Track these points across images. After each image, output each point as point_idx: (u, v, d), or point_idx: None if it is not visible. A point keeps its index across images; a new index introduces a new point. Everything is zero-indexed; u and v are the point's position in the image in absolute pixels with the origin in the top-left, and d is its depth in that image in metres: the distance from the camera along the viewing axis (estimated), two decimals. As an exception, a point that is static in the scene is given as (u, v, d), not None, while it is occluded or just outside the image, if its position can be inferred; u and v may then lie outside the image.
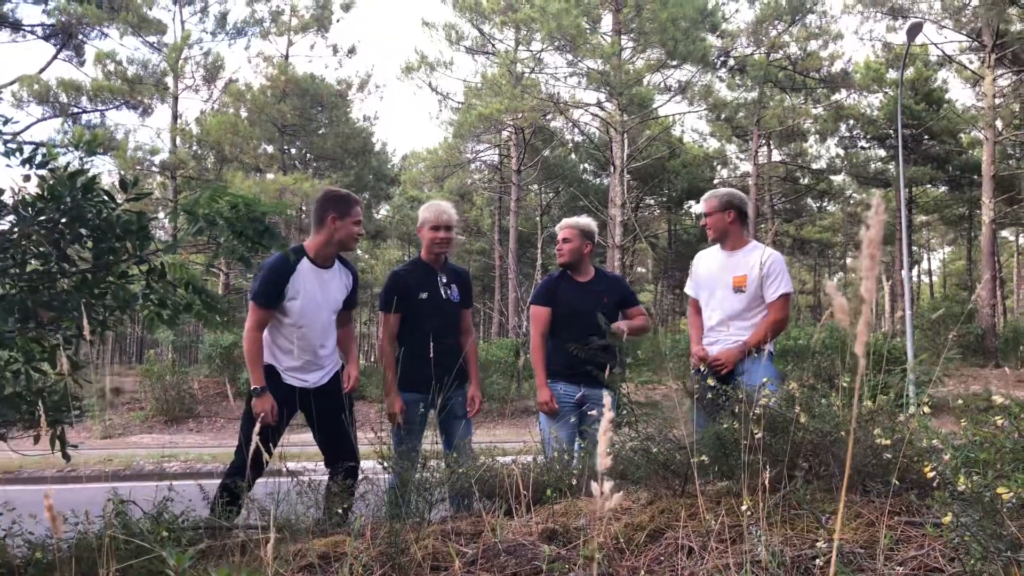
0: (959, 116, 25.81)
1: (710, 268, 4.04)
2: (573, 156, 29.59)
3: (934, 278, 48.75)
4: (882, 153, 28.77)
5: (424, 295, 4.01)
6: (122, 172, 19.10)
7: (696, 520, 2.23)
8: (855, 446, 2.26)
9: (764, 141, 28.57)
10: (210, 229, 2.65)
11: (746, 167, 30.68)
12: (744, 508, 2.09)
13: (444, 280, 4.09)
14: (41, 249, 2.61)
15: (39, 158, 2.54)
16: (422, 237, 4.13)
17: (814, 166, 31.02)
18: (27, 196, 2.55)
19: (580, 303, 4.09)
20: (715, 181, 30.39)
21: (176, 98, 22.19)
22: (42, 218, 2.55)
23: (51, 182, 2.53)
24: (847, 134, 28.83)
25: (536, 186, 29.87)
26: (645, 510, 2.39)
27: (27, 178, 2.54)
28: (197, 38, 22.45)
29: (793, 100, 26.58)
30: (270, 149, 23.56)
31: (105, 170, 20.73)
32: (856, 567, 1.88)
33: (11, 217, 2.55)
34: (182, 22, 22.35)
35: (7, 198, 2.55)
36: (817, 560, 1.91)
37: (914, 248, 36.51)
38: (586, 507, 2.52)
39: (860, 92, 26.36)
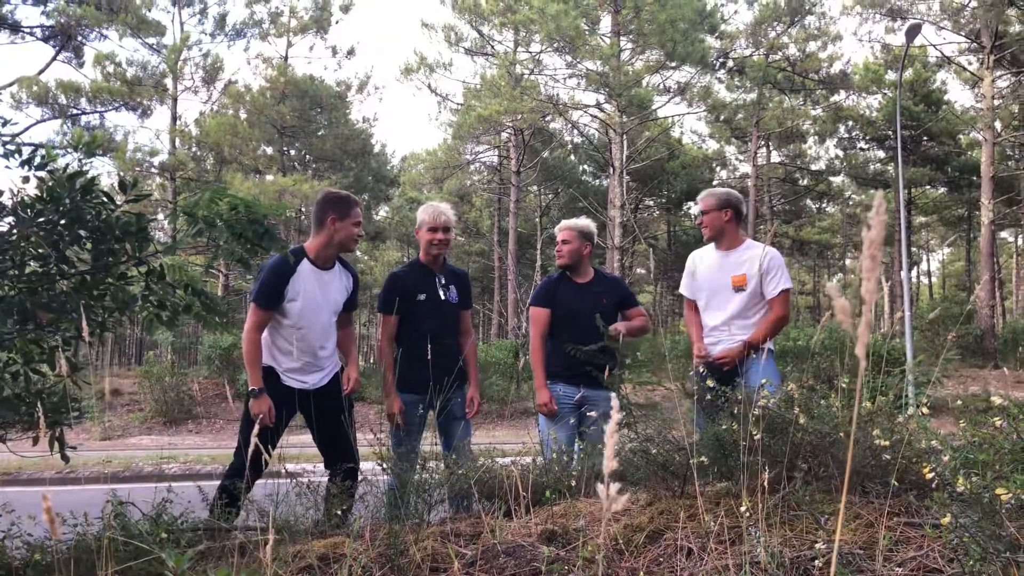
0: (958, 117, 25.83)
1: (708, 269, 4.04)
2: (572, 157, 29.59)
3: (933, 279, 48.77)
4: (881, 154, 28.80)
5: (422, 296, 4.01)
6: (121, 173, 19.13)
7: (695, 521, 2.23)
8: (854, 447, 2.26)
9: (763, 142, 28.59)
10: (209, 231, 2.65)
11: (745, 168, 30.71)
12: (743, 509, 2.09)
13: (442, 281, 4.10)
14: (40, 251, 2.61)
15: (38, 159, 2.53)
16: (420, 239, 4.13)
17: (813, 167, 31.05)
18: (26, 198, 2.54)
19: (579, 304, 4.09)
20: (714, 182, 30.37)
21: (175, 99, 22.21)
22: (41, 219, 2.55)
23: (50, 184, 2.53)
24: (846, 135, 28.86)
25: (535, 187, 29.89)
26: (644, 511, 2.39)
27: (26, 179, 2.54)
28: (196, 39, 22.50)
29: (792, 101, 26.59)
30: (269, 150, 23.55)
31: (104, 172, 20.83)
32: (855, 568, 1.88)
33: (10, 219, 2.55)
34: (181, 24, 22.39)
35: (6, 200, 2.55)
36: (816, 561, 1.91)
37: (913, 249, 36.53)
38: (585, 508, 2.52)
39: (859, 93, 26.41)
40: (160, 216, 21.78)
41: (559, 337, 4.07)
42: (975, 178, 23.72)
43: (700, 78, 22.83)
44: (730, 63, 25.26)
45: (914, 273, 42.09)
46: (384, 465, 2.97)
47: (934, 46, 23.73)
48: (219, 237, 2.67)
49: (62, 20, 20.27)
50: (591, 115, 22.79)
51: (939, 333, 16.32)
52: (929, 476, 1.97)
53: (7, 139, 2.56)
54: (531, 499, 2.58)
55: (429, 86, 23.66)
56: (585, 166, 30.58)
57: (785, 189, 31.66)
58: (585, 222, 4.33)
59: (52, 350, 2.62)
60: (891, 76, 24.20)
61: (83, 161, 2.61)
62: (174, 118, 22.32)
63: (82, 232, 2.60)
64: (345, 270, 3.91)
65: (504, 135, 25.49)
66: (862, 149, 29.35)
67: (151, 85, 21.47)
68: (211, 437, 13.70)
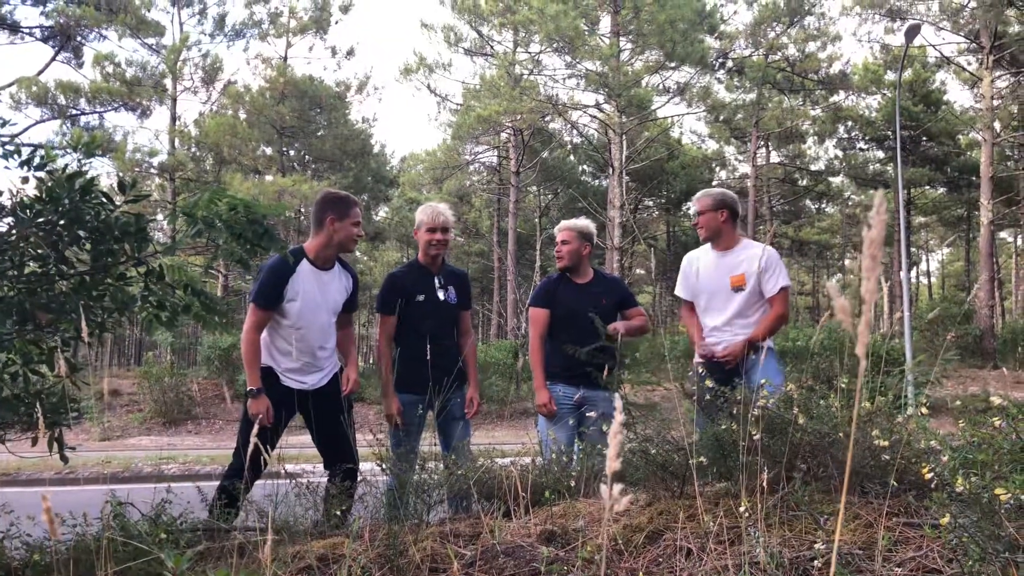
0: (957, 117, 25.85)
1: (706, 271, 4.04)
2: (572, 158, 29.59)
3: (933, 279, 48.80)
4: (880, 154, 28.82)
5: (421, 297, 4.01)
6: (120, 174, 19.15)
7: (695, 521, 2.23)
8: (854, 447, 2.26)
9: (762, 143, 28.60)
10: (209, 231, 2.65)
11: (744, 168, 30.73)
12: (742, 509, 2.09)
13: (441, 282, 4.10)
14: (39, 251, 2.61)
15: (37, 160, 2.53)
16: (419, 239, 4.13)
17: (812, 167, 31.07)
18: (25, 198, 2.54)
19: (579, 305, 4.09)
20: (714, 182, 30.38)
21: (175, 100, 22.21)
22: (40, 220, 2.55)
23: (49, 184, 2.53)
24: (845, 135, 28.87)
25: (535, 188, 29.89)
26: (643, 512, 2.39)
27: (25, 180, 2.54)
28: (195, 40, 22.49)
29: (791, 102, 26.59)
30: (269, 151, 23.53)
31: (103, 172, 20.84)
32: (854, 568, 1.88)
33: (9, 219, 2.55)
34: (180, 24, 22.39)
35: (5, 200, 2.55)
36: (816, 561, 1.91)
37: (913, 249, 36.54)
38: (584, 509, 2.52)
39: (858, 94, 26.42)
40: (159, 216, 21.74)
41: (558, 338, 4.07)
42: (974, 178, 23.73)
43: (699, 78, 22.84)
44: (729, 63, 25.25)
45: (913, 273, 42.11)
46: (383, 466, 2.98)
47: (933, 46, 23.76)
48: (218, 237, 2.67)
49: (61, 20, 20.27)
50: (590, 115, 22.81)
51: (938, 333, 16.33)
52: (928, 476, 1.97)
53: (6, 139, 2.56)
54: (530, 499, 2.58)
55: (428, 86, 23.68)
56: (584, 166, 30.59)
57: (784, 189, 31.68)
58: (584, 222, 4.33)
59: (51, 351, 2.61)
60: (890, 76, 24.22)
61: (82, 161, 2.61)
62: (173, 118, 22.32)
63: (81, 233, 2.60)
64: (345, 271, 3.91)
65: (503, 135, 25.50)
66: (861, 149, 29.39)
67: (150, 85, 21.47)
68: (210, 438, 13.69)
